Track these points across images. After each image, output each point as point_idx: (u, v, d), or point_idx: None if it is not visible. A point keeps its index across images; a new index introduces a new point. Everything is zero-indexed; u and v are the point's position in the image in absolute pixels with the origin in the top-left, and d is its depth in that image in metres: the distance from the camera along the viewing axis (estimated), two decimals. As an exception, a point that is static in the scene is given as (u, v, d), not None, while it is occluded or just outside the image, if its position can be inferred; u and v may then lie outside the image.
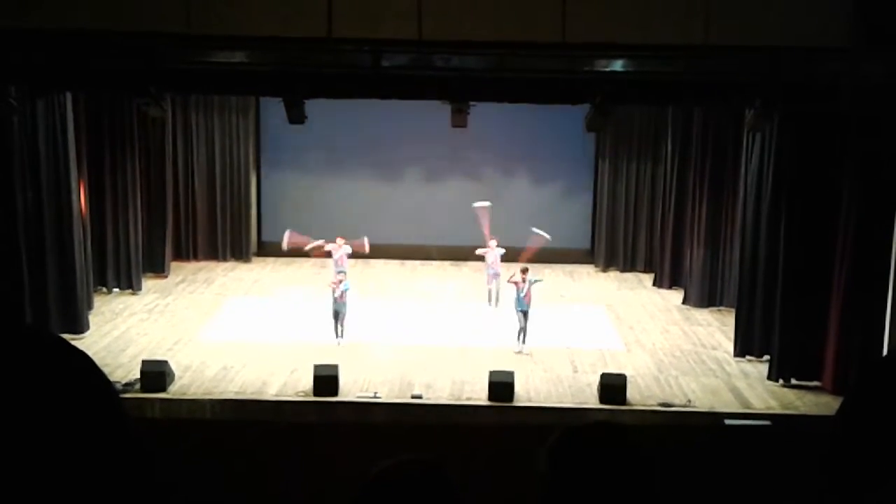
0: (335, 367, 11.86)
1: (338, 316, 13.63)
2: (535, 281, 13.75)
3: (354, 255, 15.91)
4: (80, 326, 13.65)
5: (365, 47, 10.38)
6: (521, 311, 13.55)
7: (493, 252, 15.49)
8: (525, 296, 13.55)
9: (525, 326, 13.51)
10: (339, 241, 15.57)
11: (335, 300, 13.65)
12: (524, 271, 13.82)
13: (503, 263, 15.42)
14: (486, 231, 15.66)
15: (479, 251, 15.73)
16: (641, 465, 1.96)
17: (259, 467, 6.44)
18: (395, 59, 10.67)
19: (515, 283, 13.76)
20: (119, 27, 10.15)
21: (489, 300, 15.57)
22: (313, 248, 15.68)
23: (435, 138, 17.38)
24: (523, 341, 13.51)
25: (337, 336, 13.57)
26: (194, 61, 11.09)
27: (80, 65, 11.02)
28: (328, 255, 15.59)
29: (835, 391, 11.79)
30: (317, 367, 11.78)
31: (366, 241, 15.88)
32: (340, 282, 13.81)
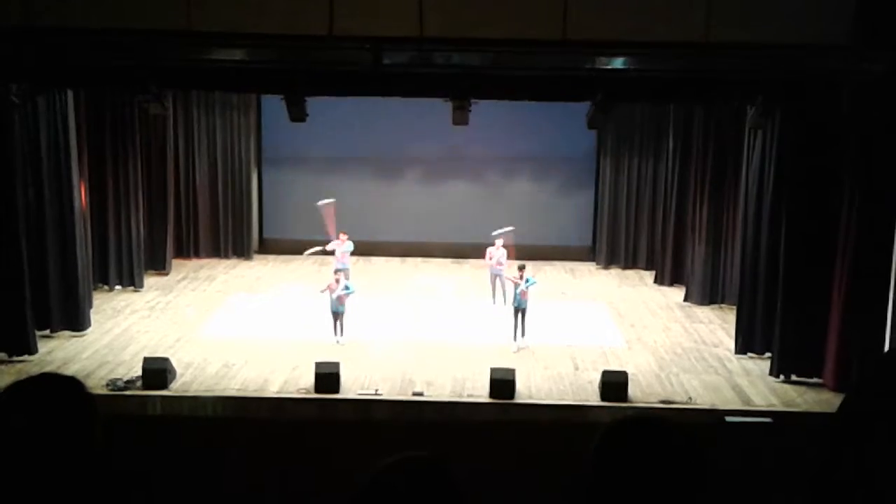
0: (336, 364, 11.87)
1: (336, 315, 13.61)
2: (530, 282, 13.73)
3: (356, 251, 15.87)
4: (81, 324, 13.67)
5: (366, 45, 10.38)
6: (519, 308, 13.59)
7: (499, 251, 15.44)
8: (522, 293, 13.58)
9: (522, 324, 13.55)
10: (343, 237, 15.52)
11: (333, 301, 13.62)
12: (521, 269, 13.88)
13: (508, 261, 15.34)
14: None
15: (489, 250, 15.56)
16: (689, 464, 1.95)
17: (260, 465, 6.44)
18: (397, 57, 10.67)
19: (513, 281, 13.84)
20: (120, 24, 10.16)
21: (493, 298, 15.53)
22: (316, 250, 15.63)
23: (436, 136, 17.39)
24: (522, 335, 13.54)
25: (336, 334, 13.56)
26: (195, 59, 11.10)
27: (82, 62, 11.03)
28: (331, 252, 15.53)
29: (836, 388, 11.80)
30: (318, 365, 11.79)
31: (325, 202, 15.74)
32: (337, 281, 13.73)
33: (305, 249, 15.88)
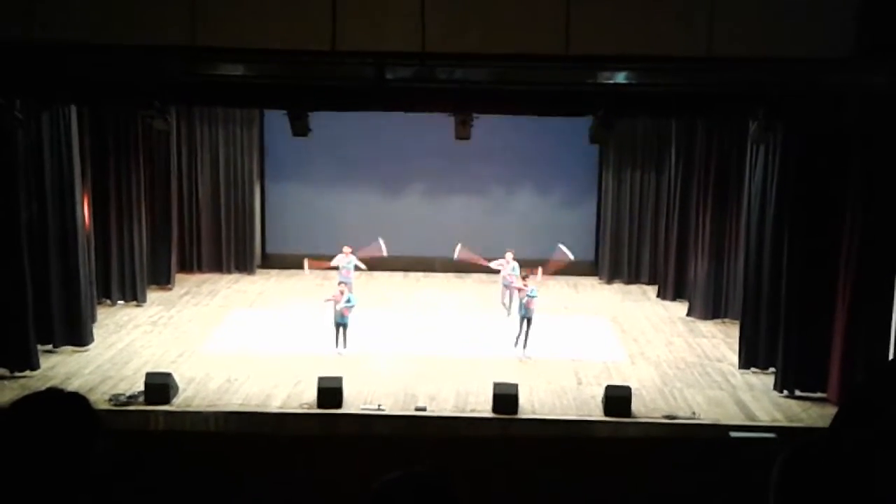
0: (339, 379, 11.85)
1: (339, 327, 13.65)
2: (531, 295, 13.80)
3: (365, 264, 15.82)
4: (84, 339, 13.65)
5: (369, 60, 10.41)
6: (524, 317, 13.68)
7: (509, 266, 15.49)
8: (527, 303, 13.66)
9: (526, 334, 13.65)
10: (346, 250, 15.51)
11: (337, 312, 13.66)
12: (525, 278, 13.97)
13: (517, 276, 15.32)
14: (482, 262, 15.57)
15: (493, 264, 15.62)
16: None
17: (263, 480, 6.42)
18: (399, 72, 10.69)
19: (519, 290, 13.98)
20: (124, 40, 10.19)
21: (508, 312, 15.57)
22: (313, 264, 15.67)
23: (438, 150, 17.39)
24: (524, 346, 13.62)
25: (337, 346, 13.59)
26: (199, 74, 11.12)
27: (85, 78, 11.06)
28: (335, 267, 15.52)
29: (840, 403, 11.75)
30: (321, 380, 11.77)
31: (381, 243, 15.73)
32: (342, 293, 13.79)
33: (306, 263, 15.88)
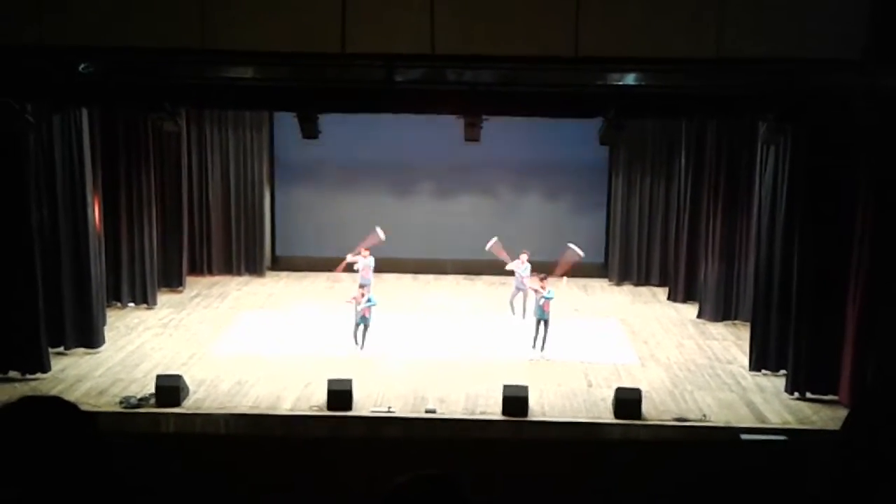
0: (349, 381, 11.85)
1: (359, 327, 13.72)
2: (547, 297, 13.78)
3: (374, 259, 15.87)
4: (95, 341, 13.69)
5: (378, 62, 10.41)
6: (541, 319, 13.69)
7: (523, 267, 15.51)
8: (543, 305, 13.65)
9: (544, 335, 13.67)
10: (364, 252, 15.58)
11: (358, 313, 13.73)
12: (542, 279, 13.93)
13: (530, 277, 15.31)
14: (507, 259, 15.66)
15: (510, 266, 15.64)
16: None
17: (272, 482, 6.42)
18: (409, 74, 10.69)
19: (535, 291, 14.01)
20: (134, 43, 10.21)
21: (513, 312, 15.60)
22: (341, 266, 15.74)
23: (448, 152, 17.40)
24: (542, 349, 13.65)
25: (357, 343, 13.68)
26: (209, 77, 11.15)
27: (96, 81, 11.09)
28: (351, 269, 15.57)
29: (851, 405, 11.71)
30: (330, 382, 11.78)
31: (378, 231, 15.80)
32: (363, 295, 13.88)
33: (319, 267, 15.96)
